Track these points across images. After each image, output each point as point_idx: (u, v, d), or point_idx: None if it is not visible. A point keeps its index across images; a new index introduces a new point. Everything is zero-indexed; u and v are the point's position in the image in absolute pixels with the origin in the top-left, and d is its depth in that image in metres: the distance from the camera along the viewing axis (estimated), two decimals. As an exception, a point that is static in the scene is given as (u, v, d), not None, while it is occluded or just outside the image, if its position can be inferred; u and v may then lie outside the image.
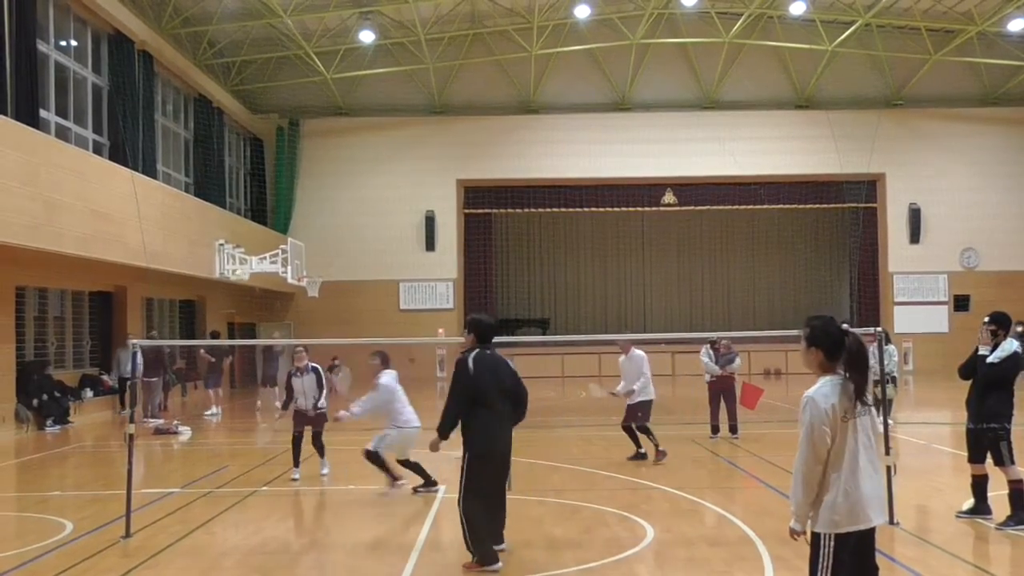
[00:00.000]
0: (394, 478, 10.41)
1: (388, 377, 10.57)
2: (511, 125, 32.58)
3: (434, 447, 7.32)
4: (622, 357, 12.64)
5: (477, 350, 7.26)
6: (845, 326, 4.71)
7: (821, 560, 4.59)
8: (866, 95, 32.88)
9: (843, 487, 4.54)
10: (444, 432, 7.24)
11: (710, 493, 10.30)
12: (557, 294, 37.22)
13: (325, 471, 11.76)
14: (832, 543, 4.56)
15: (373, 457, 10.41)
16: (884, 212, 32.87)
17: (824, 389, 4.52)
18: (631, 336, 11.55)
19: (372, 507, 10.09)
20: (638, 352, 12.60)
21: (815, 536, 4.64)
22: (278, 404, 11.98)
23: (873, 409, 4.73)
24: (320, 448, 11.77)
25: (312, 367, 11.69)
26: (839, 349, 4.51)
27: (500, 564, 7.11)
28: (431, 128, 32.66)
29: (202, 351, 21.07)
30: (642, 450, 12.45)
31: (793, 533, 4.74)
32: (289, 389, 11.75)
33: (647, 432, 12.40)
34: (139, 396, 16.56)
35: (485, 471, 7.18)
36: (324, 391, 11.74)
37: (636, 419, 12.38)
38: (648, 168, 32.24)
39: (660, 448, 12.25)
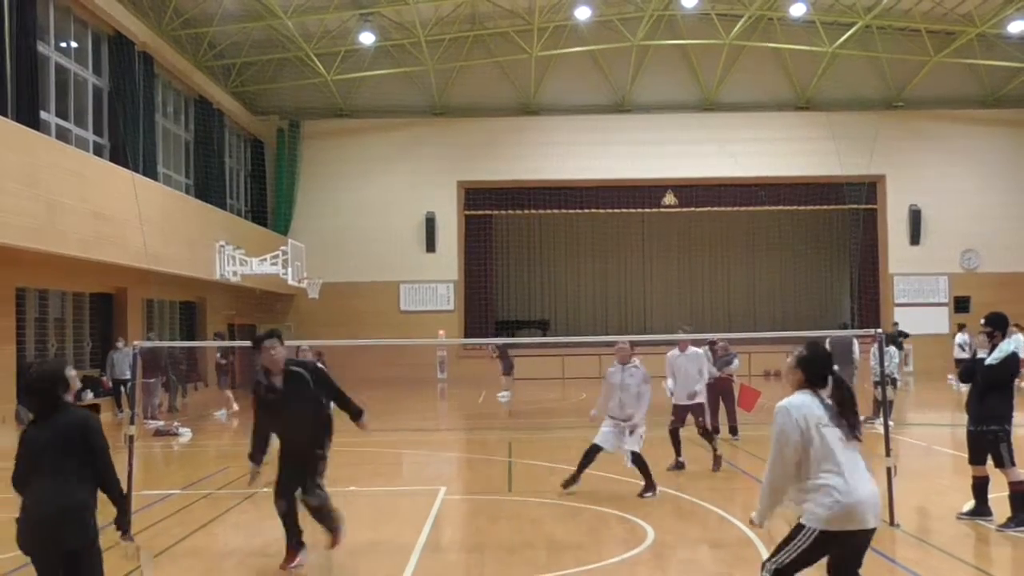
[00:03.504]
0: None
1: None
2: (511, 126, 32.57)
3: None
4: (674, 353, 12.00)
5: None
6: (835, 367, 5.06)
7: (793, 545, 4.70)
8: (866, 97, 32.86)
9: (841, 488, 4.63)
10: None
11: (710, 495, 10.30)
12: (557, 295, 37.18)
13: None
14: (812, 537, 4.65)
15: None
16: (884, 213, 32.85)
17: (796, 400, 4.85)
18: (673, 336, 11.38)
19: (372, 508, 10.09)
20: (697, 349, 12.17)
21: (799, 525, 4.74)
22: None
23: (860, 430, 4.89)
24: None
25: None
26: (817, 376, 4.91)
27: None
28: (431, 130, 32.65)
29: (218, 355, 21.57)
30: (681, 459, 11.83)
31: (752, 523, 5.04)
32: None
33: (710, 437, 11.89)
34: (138, 397, 16.52)
35: None
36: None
37: (689, 423, 11.77)
38: (648, 169, 32.19)
39: (719, 453, 11.80)
